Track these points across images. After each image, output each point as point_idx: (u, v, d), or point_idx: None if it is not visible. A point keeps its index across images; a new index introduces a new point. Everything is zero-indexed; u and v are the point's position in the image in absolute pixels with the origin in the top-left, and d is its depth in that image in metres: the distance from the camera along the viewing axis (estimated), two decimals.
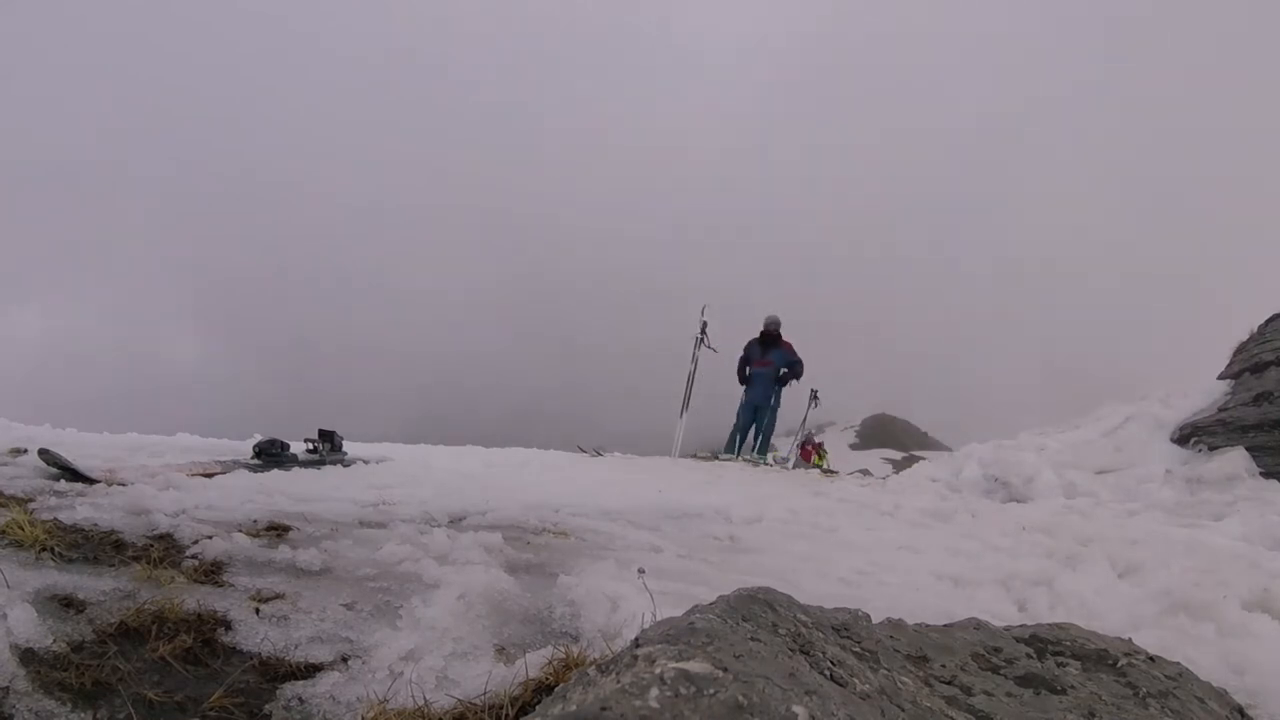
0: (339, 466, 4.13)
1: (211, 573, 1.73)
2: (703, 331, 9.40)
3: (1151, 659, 1.29)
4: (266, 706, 1.16)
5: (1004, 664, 1.21)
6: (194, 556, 1.82)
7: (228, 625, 1.42)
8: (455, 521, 2.69)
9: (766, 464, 8.49)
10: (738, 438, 9.11)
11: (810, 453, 15.96)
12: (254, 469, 3.64)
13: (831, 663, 1.00)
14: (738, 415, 9.17)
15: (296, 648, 1.38)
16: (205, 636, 1.35)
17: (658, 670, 0.77)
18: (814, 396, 11.98)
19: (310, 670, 1.29)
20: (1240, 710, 1.32)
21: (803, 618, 1.12)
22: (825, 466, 13.27)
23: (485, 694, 1.21)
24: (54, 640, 1.22)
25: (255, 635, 1.40)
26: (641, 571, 1.90)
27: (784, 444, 12.79)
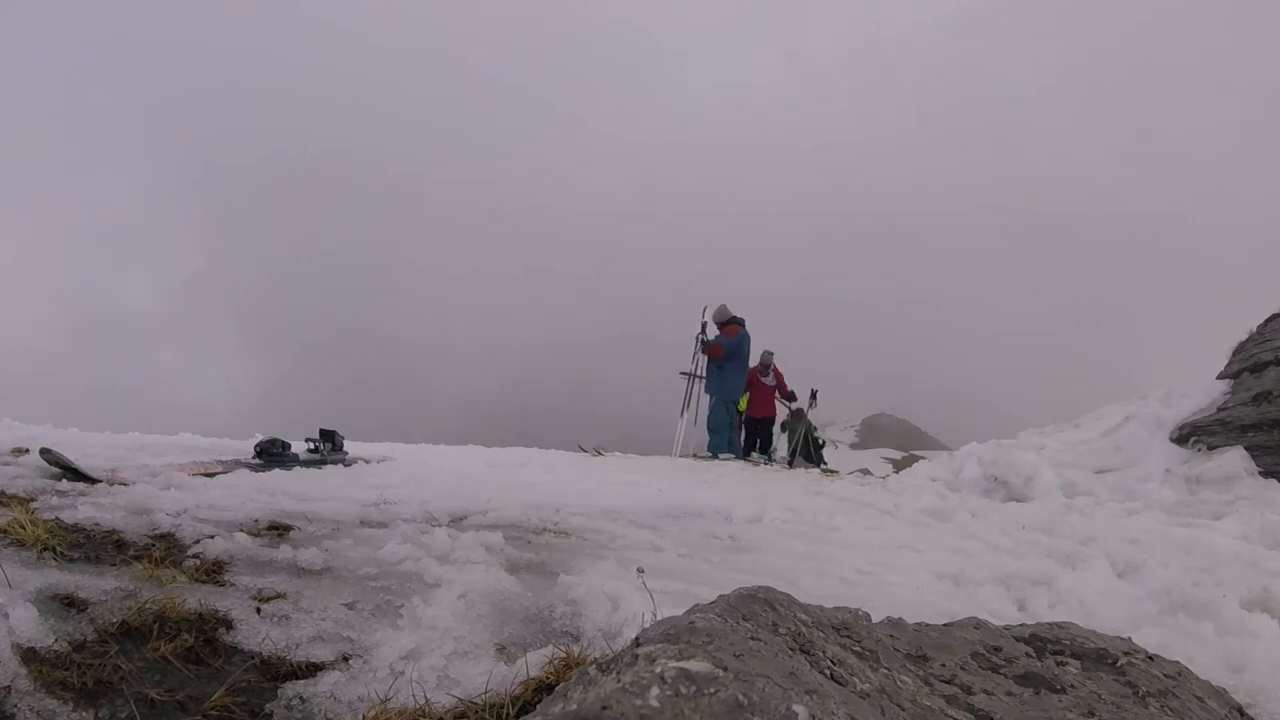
0: (340, 466, 4.14)
1: (213, 572, 1.73)
2: (704, 331, 9.41)
3: (1151, 658, 1.30)
4: (268, 706, 1.17)
5: (1004, 663, 1.21)
6: (195, 556, 1.82)
7: (229, 624, 1.42)
8: (456, 521, 2.69)
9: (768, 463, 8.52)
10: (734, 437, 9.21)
11: (767, 388, 9.74)
12: (255, 468, 3.65)
13: (832, 662, 1.00)
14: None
15: (298, 647, 1.38)
16: (207, 636, 1.35)
17: (658, 669, 0.77)
18: (813, 396, 11.96)
19: (311, 669, 1.30)
20: (1239, 709, 1.32)
21: (803, 617, 1.13)
22: (792, 408, 10.38)
23: (486, 693, 1.21)
24: (56, 639, 1.23)
25: (257, 634, 1.41)
26: (641, 571, 1.90)
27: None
